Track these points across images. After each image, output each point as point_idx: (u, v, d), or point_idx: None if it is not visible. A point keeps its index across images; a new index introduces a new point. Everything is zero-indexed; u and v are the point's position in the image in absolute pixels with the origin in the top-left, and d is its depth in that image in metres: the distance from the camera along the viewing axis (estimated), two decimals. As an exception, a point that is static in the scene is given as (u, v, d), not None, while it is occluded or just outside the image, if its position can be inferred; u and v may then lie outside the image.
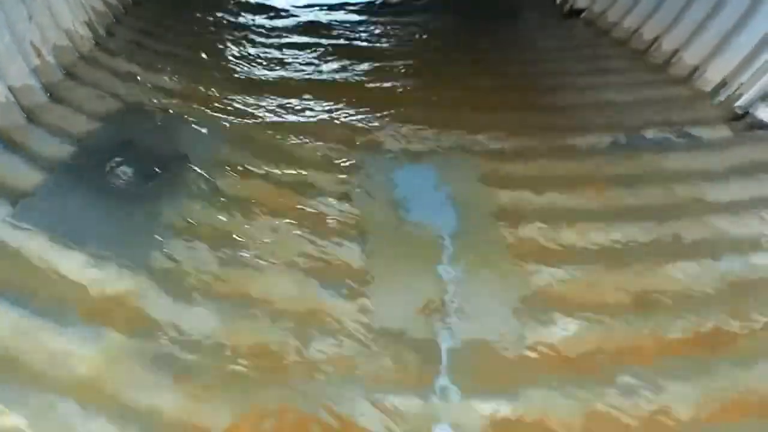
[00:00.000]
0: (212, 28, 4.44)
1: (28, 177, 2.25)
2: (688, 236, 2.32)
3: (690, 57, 3.75)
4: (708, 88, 3.48)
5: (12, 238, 1.97)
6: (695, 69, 3.65)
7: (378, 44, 4.46)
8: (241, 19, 4.65)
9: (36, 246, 1.96)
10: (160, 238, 2.08)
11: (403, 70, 3.89)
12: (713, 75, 3.51)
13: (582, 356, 1.84)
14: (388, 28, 4.92)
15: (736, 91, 3.29)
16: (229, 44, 4.01)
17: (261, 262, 2.07)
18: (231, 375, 1.65)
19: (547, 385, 1.73)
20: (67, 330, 1.69)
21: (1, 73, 2.64)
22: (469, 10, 5.57)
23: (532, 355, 1.84)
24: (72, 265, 1.91)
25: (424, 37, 4.70)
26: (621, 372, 1.77)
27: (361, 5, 5.40)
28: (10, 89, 2.64)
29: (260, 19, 4.65)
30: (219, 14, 4.75)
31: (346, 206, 2.40)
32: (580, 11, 5.24)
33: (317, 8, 4.89)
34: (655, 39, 4.12)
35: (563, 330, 1.92)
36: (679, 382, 1.75)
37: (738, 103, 3.23)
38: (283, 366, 1.70)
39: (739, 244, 2.28)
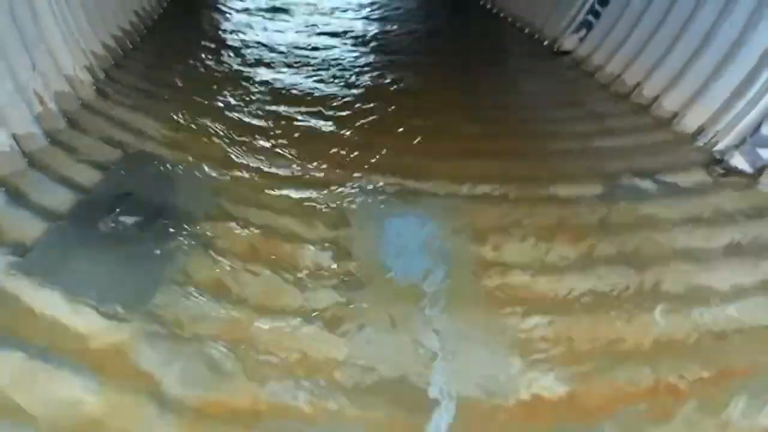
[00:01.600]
0: (211, 75, 4.55)
1: (30, 227, 2.34)
2: (662, 284, 2.42)
3: (670, 102, 3.89)
4: (687, 134, 3.62)
5: (15, 288, 2.05)
6: (675, 114, 3.80)
7: (364, 87, 4.58)
8: (237, 66, 4.76)
9: (38, 296, 2.04)
10: (156, 288, 2.17)
11: (389, 113, 4.03)
12: (692, 121, 3.66)
13: (560, 404, 1.93)
14: (376, 68, 5.08)
15: (713, 137, 3.43)
16: (227, 93, 4.11)
17: (251, 310, 2.16)
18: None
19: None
20: (67, 377, 1.77)
21: (4, 121, 2.73)
22: (459, 52, 5.75)
23: (515, 402, 1.92)
24: (72, 314, 2.00)
25: (412, 78, 4.82)
26: (597, 421, 1.86)
27: (350, 49, 5.58)
28: (14, 137, 2.74)
29: (260, 69, 4.76)
30: (217, 61, 4.87)
31: (332, 255, 2.50)
32: (567, 52, 5.41)
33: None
34: (638, 84, 4.27)
35: (542, 378, 2.01)
36: (651, 429, 1.84)
37: (715, 149, 3.36)
38: (269, 410, 1.78)
39: (712, 293, 2.37)
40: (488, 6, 7.73)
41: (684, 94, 3.82)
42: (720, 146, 3.34)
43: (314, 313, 2.17)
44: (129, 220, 2.52)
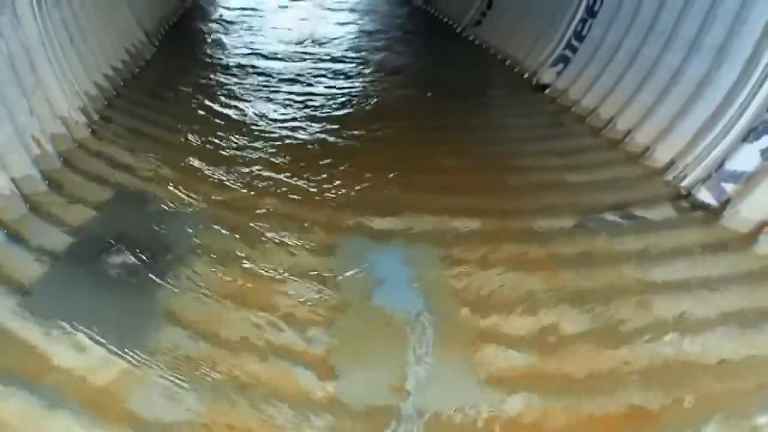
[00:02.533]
0: (200, 115, 4.70)
1: (30, 268, 2.48)
2: (629, 318, 2.55)
3: (642, 137, 4.07)
4: (657, 168, 3.79)
5: (18, 327, 2.18)
6: (646, 149, 3.97)
7: (345, 121, 4.77)
8: (227, 110, 4.91)
9: (39, 335, 2.16)
10: (150, 326, 2.29)
11: (367, 146, 4.24)
12: (662, 155, 3.83)
13: (530, 429, 2.06)
14: (356, 100, 5.28)
15: (681, 172, 3.60)
16: (216, 133, 4.27)
17: (238, 346, 2.29)
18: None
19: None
20: (67, 416, 1.89)
21: (4, 165, 2.87)
22: (440, 83, 5.95)
23: (488, 427, 2.05)
24: (72, 352, 2.12)
25: (393, 113, 5.01)
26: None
27: (329, 79, 5.81)
28: (13, 180, 2.87)
29: (249, 111, 4.92)
30: (208, 101, 5.03)
31: (319, 289, 2.64)
32: (546, 86, 5.60)
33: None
34: (612, 118, 4.45)
35: (514, 406, 2.13)
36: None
37: (683, 184, 3.53)
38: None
39: (675, 324, 2.52)
40: (471, 38, 7.96)
41: (655, 129, 3.99)
42: (687, 181, 3.51)
43: (298, 347, 2.31)
44: (123, 258, 2.65)
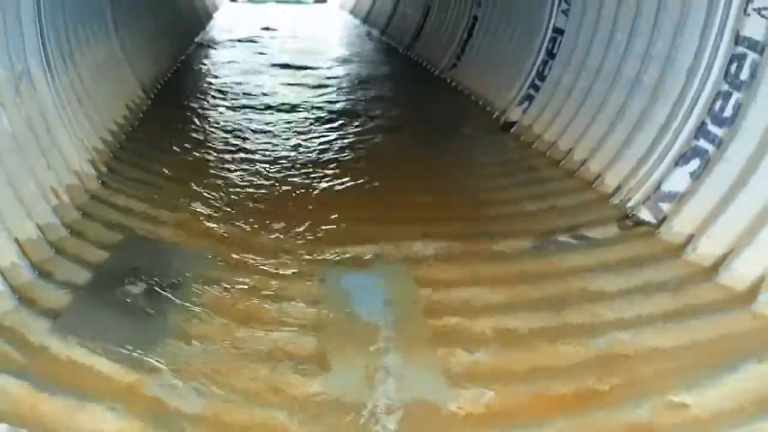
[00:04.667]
0: (197, 162, 5.17)
1: (59, 298, 2.88)
2: (575, 321, 2.98)
3: (594, 166, 4.54)
4: (607, 193, 4.26)
5: (53, 345, 2.59)
6: (598, 176, 4.44)
7: (328, 163, 5.28)
8: (221, 155, 5.39)
9: (71, 349, 2.57)
10: (163, 343, 2.71)
11: (351, 187, 4.70)
12: (611, 181, 4.29)
13: (493, 413, 2.45)
14: (330, 145, 5.80)
15: (626, 195, 4.05)
16: (212, 178, 4.73)
17: (239, 354, 2.71)
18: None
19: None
20: (99, 409, 2.28)
21: (30, 214, 3.29)
22: (414, 121, 6.52)
23: (453, 414, 2.44)
24: (98, 361, 2.52)
25: (373, 153, 5.55)
26: (519, 425, 2.40)
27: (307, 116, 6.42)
28: (38, 227, 3.30)
29: (239, 157, 5.40)
30: (202, 149, 5.51)
31: (307, 306, 3.09)
32: (513, 123, 6.11)
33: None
34: (569, 150, 4.94)
35: (476, 395, 2.53)
36: (561, 425, 2.37)
37: (627, 206, 3.99)
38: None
39: (616, 323, 2.95)
40: (448, 80, 8.52)
41: (605, 158, 4.47)
42: (631, 202, 3.95)
43: (290, 353, 2.74)
44: (136, 289, 3.08)
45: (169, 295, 3.07)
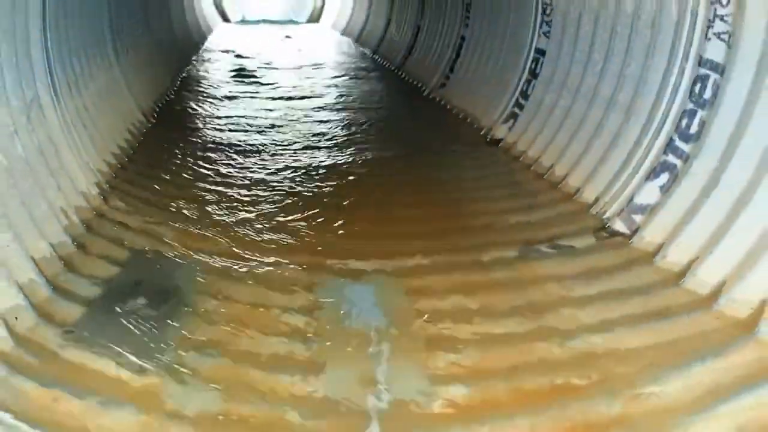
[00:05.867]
0: (196, 183, 5.40)
1: (72, 310, 3.11)
2: (553, 322, 3.22)
3: (574, 180, 4.80)
4: (585, 204, 4.50)
5: (67, 352, 2.81)
6: (577, 190, 4.69)
7: (321, 181, 5.54)
8: (219, 176, 5.63)
9: (85, 356, 2.79)
10: (171, 349, 2.93)
11: (344, 204, 4.96)
12: (589, 195, 4.54)
13: (474, 407, 2.68)
14: (322, 161, 6.08)
15: (602, 208, 4.30)
16: (210, 197, 4.98)
17: (241, 357, 2.94)
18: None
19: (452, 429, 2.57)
20: (117, 409, 2.51)
21: (42, 234, 3.52)
22: (403, 139, 6.81)
23: (441, 410, 2.67)
24: (112, 366, 2.75)
25: (364, 169, 5.83)
26: (501, 416, 2.62)
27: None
28: (51, 245, 3.52)
29: (238, 175, 5.65)
30: (202, 170, 5.75)
31: (303, 315, 3.31)
32: (499, 140, 6.37)
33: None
34: (551, 165, 5.19)
35: (461, 391, 2.76)
36: (539, 418, 2.60)
37: (604, 217, 4.24)
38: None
39: (591, 325, 3.18)
40: (437, 99, 8.79)
41: (584, 173, 4.72)
42: (607, 214, 4.20)
43: (288, 356, 2.97)
44: (143, 301, 3.31)
45: (174, 305, 3.31)
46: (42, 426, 2.39)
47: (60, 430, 2.39)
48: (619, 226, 4.05)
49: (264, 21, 22.65)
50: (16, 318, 2.87)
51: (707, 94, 3.77)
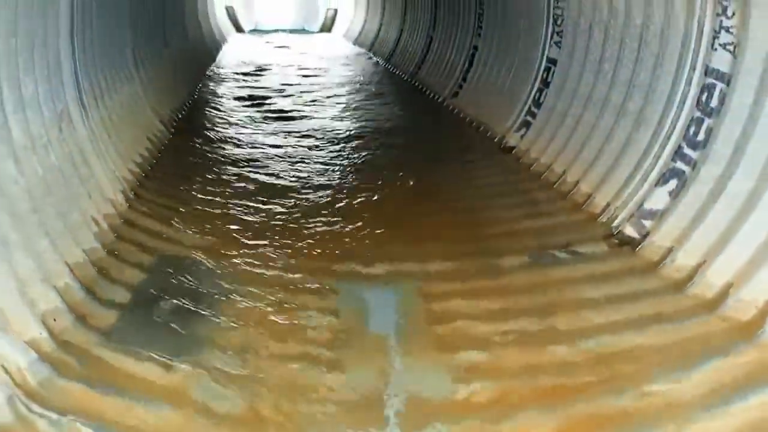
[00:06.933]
0: (217, 190, 5.56)
1: (105, 315, 3.27)
2: (566, 324, 3.35)
3: (585, 187, 4.91)
4: (596, 212, 4.62)
5: (104, 354, 2.96)
6: (588, 196, 4.80)
7: (340, 188, 5.71)
8: (239, 183, 5.79)
9: (120, 358, 2.94)
10: (200, 351, 3.08)
11: (363, 210, 5.12)
12: (600, 201, 4.65)
13: (489, 403, 2.82)
14: (338, 168, 6.27)
15: (613, 214, 4.42)
16: (232, 204, 5.14)
17: (266, 356, 3.10)
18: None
19: (469, 423, 2.71)
20: (150, 404, 2.67)
21: (76, 241, 3.68)
22: (419, 148, 6.97)
23: (460, 408, 2.80)
24: (144, 366, 2.91)
25: (381, 177, 5.98)
26: (516, 412, 2.75)
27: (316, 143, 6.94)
28: (84, 251, 3.68)
29: (259, 181, 5.81)
30: (222, 178, 5.92)
31: (324, 317, 3.46)
32: (512, 148, 6.50)
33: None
34: (563, 173, 5.31)
35: (477, 389, 2.89)
36: (551, 413, 2.72)
37: (614, 224, 4.35)
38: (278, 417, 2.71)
39: (602, 327, 3.31)
40: (451, 107, 8.92)
41: (595, 180, 4.83)
42: (617, 221, 4.32)
43: (311, 356, 3.11)
44: (170, 305, 3.47)
45: (200, 309, 3.46)
46: (87, 423, 2.54)
47: (104, 427, 2.54)
48: (630, 231, 4.17)
49: (276, 30, 22.88)
50: (54, 320, 3.03)
51: (714, 103, 3.89)
